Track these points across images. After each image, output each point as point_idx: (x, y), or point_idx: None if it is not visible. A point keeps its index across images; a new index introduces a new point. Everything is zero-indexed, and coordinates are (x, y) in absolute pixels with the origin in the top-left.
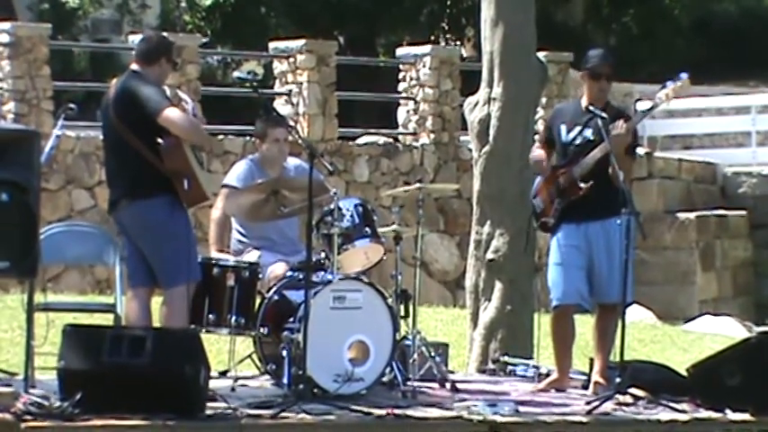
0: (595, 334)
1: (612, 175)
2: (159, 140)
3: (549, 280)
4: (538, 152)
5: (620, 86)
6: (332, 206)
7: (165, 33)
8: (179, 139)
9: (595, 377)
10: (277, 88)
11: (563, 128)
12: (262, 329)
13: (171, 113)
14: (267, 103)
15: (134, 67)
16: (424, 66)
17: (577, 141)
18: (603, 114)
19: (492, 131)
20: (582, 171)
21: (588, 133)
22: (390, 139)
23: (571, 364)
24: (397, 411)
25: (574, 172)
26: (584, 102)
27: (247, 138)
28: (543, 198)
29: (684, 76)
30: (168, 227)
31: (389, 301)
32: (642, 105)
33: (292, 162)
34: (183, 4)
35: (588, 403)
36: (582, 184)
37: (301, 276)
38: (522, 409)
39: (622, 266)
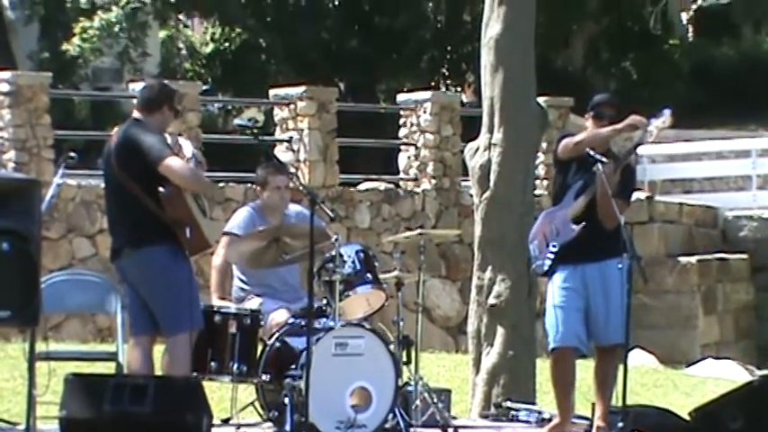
0: (596, 378)
1: (603, 216)
2: (160, 189)
3: (546, 322)
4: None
5: None
6: (333, 253)
7: (166, 81)
8: (179, 187)
9: (597, 422)
10: (278, 135)
11: (572, 169)
12: (264, 377)
13: (172, 162)
14: (268, 150)
15: (136, 115)
16: (424, 111)
17: (574, 185)
18: (603, 159)
19: (493, 177)
20: (573, 213)
21: (584, 177)
22: (391, 185)
23: (573, 407)
24: None
25: (566, 215)
26: None
27: (248, 185)
28: (539, 242)
29: (667, 112)
30: (170, 275)
31: (391, 347)
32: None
33: (293, 209)
34: (184, 52)
35: None
36: (574, 227)
37: (303, 323)
38: None
39: (622, 309)
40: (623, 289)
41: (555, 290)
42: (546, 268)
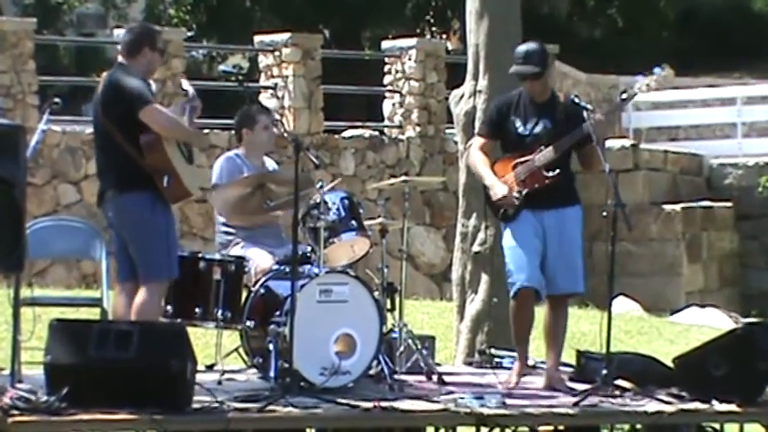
0: (545, 328)
1: (584, 164)
2: (141, 136)
3: (510, 263)
4: (480, 156)
5: (605, 78)
6: (318, 199)
7: (147, 24)
8: (159, 135)
9: (549, 372)
10: (262, 82)
11: (516, 120)
12: (248, 323)
13: (150, 110)
14: (253, 96)
15: (120, 60)
16: (409, 59)
17: (536, 131)
18: (588, 105)
19: (477, 124)
20: (546, 160)
21: (547, 123)
22: (376, 132)
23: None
24: (383, 404)
25: (537, 161)
26: (527, 91)
27: (233, 132)
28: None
29: (658, 70)
30: (148, 222)
31: (376, 294)
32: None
33: (270, 164)
34: None
35: (576, 395)
36: (549, 173)
37: (288, 270)
38: (508, 401)
39: (580, 257)
40: (580, 237)
41: (516, 233)
42: (511, 213)
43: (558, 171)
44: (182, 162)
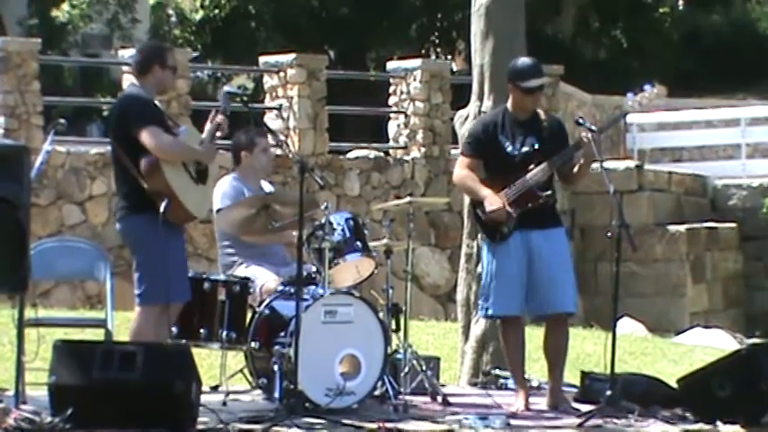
0: (546, 348)
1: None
2: (142, 158)
3: (485, 287)
4: (469, 173)
5: (610, 99)
6: (323, 220)
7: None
8: (159, 158)
9: (553, 392)
10: (267, 103)
11: (504, 139)
12: (253, 344)
13: (147, 132)
14: (257, 117)
15: (132, 80)
16: (414, 79)
17: (524, 150)
18: (593, 127)
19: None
20: (540, 178)
21: (533, 141)
22: (381, 153)
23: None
24: (388, 425)
25: (530, 180)
26: (511, 110)
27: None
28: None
29: (648, 87)
30: (145, 246)
31: (381, 314)
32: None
33: (266, 187)
34: (174, 19)
35: (579, 416)
36: (541, 193)
37: (293, 290)
38: (513, 422)
39: (571, 277)
40: (570, 258)
41: (500, 257)
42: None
43: (550, 191)
44: (188, 184)
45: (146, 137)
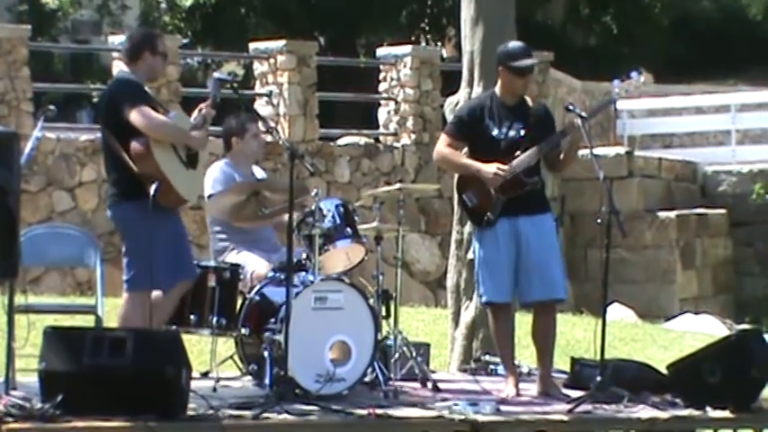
0: (534, 335)
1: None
2: (132, 142)
3: (479, 274)
4: (449, 151)
5: (600, 86)
6: (313, 207)
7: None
8: (149, 142)
9: (543, 378)
10: (257, 89)
11: (490, 124)
12: (243, 330)
13: (137, 111)
14: (247, 104)
15: (122, 66)
16: (404, 66)
17: (510, 135)
18: (583, 114)
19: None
20: (527, 164)
21: (519, 127)
22: (371, 140)
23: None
24: (378, 411)
25: (516, 167)
26: (499, 95)
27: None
28: (475, 192)
29: (635, 74)
30: (133, 233)
31: (371, 301)
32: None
33: (258, 172)
34: (163, 5)
35: (569, 402)
36: (528, 179)
37: (283, 277)
38: (503, 408)
39: (559, 264)
40: (557, 244)
41: (488, 243)
42: (493, 219)
43: (537, 177)
44: (178, 168)
45: (136, 116)
